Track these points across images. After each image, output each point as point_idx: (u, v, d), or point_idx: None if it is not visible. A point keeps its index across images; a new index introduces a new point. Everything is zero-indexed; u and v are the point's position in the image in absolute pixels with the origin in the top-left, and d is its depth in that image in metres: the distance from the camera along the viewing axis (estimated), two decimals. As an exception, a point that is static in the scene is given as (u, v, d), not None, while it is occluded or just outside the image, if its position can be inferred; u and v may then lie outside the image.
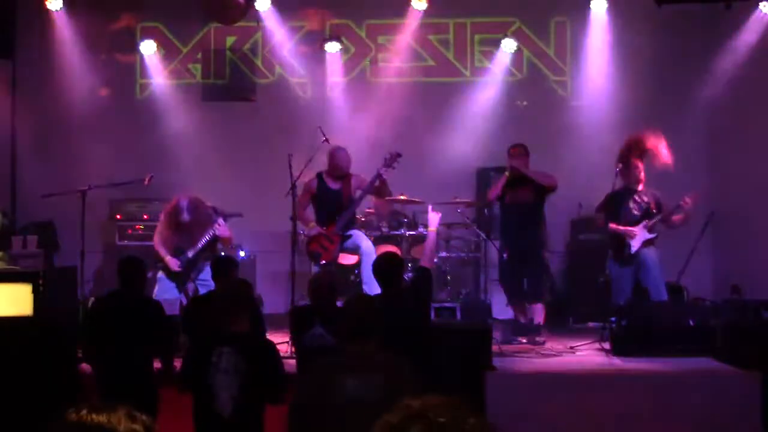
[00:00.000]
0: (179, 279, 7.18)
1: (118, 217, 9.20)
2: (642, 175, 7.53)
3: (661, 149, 7.63)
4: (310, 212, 7.71)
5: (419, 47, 9.78)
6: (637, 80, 9.21)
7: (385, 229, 8.57)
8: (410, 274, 7.55)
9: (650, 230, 7.43)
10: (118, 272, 5.47)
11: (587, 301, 8.68)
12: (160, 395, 5.09)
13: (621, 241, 7.45)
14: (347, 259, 7.78)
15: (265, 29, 9.67)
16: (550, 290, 8.49)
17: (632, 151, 7.65)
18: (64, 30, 9.47)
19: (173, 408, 4.63)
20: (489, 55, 9.72)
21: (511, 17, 9.75)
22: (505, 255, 7.62)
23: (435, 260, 7.41)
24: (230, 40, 9.88)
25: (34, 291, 5.43)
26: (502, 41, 9.50)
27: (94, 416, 1.70)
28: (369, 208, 8.68)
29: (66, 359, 5.69)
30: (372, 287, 7.03)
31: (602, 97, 9.35)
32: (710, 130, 9.38)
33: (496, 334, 6.87)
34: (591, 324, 8.27)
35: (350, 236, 7.58)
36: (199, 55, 9.91)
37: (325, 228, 7.53)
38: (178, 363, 4.89)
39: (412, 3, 9.36)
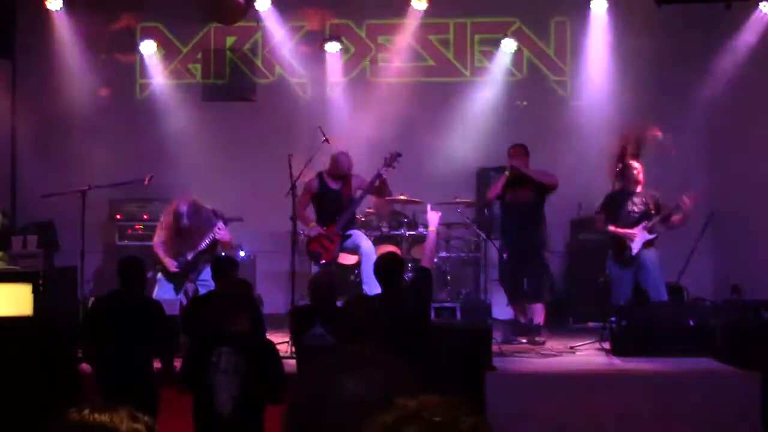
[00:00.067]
0: (177, 280, 7.19)
1: (118, 217, 9.19)
2: (640, 176, 7.53)
3: (652, 134, 7.63)
4: (310, 212, 7.72)
5: (419, 47, 9.78)
6: (637, 80, 9.20)
7: (385, 229, 8.57)
8: (410, 274, 7.55)
9: (650, 231, 7.43)
10: (118, 272, 5.46)
11: (587, 301, 8.68)
12: (160, 395, 5.09)
13: (621, 243, 7.45)
14: (347, 259, 7.78)
15: (265, 29, 9.67)
16: (550, 290, 8.48)
17: (627, 151, 7.65)
18: (64, 30, 9.46)
19: (173, 408, 4.63)
20: (489, 55, 9.71)
21: (511, 17, 9.74)
22: (505, 255, 7.62)
23: (435, 260, 7.41)
24: (230, 40, 9.88)
25: (34, 291, 5.44)
26: (502, 41, 9.49)
27: (96, 416, 1.70)
28: (369, 208, 8.69)
29: (66, 359, 5.68)
30: (372, 287, 7.04)
31: (602, 97, 9.34)
32: (710, 130, 9.37)
33: (496, 334, 6.87)
34: (591, 324, 8.27)
35: (350, 236, 7.58)
36: (199, 55, 9.91)
37: (325, 228, 7.53)
38: (178, 363, 4.89)
39: (412, 3, 9.35)
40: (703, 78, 8.91)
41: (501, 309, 8.26)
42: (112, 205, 9.17)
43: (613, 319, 7.01)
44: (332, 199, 7.61)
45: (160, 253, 7.21)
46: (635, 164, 7.60)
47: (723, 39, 8.84)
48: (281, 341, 6.35)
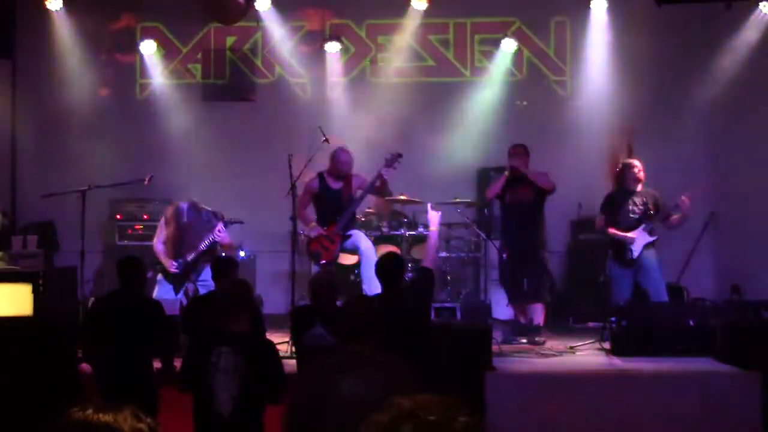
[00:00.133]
0: (177, 281, 7.18)
1: (118, 217, 9.19)
2: (641, 174, 7.51)
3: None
4: (310, 212, 7.71)
5: (419, 47, 9.78)
6: (637, 80, 9.20)
7: (385, 229, 8.57)
8: (410, 275, 7.55)
9: (650, 233, 7.41)
10: (117, 272, 5.46)
11: (587, 301, 8.68)
12: (160, 395, 5.09)
13: (622, 245, 7.44)
14: (347, 259, 7.78)
15: (265, 29, 9.67)
16: (550, 290, 8.47)
17: (620, 152, 7.64)
18: (64, 30, 9.46)
19: (173, 408, 4.63)
20: (489, 55, 9.71)
21: (511, 17, 9.74)
22: (504, 255, 7.62)
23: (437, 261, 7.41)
24: (230, 40, 9.88)
25: (34, 291, 5.44)
26: (502, 41, 9.49)
27: (100, 416, 1.71)
28: (369, 208, 8.68)
29: (66, 359, 5.68)
30: (372, 287, 7.04)
31: (602, 97, 9.34)
32: (710, 130, 9.37)
33: (496, 334, 6.87)
34: (591, 324, 8.27)
35: (350, 236, 7.58)
36: (199, 55, 9.91)
37: (325, 228, 7.53)
38: (178, 363, 4.89)
39: (412, 3, 9.35)
40: (703, 78, 8.91)
41: (501, 309, 8.26)
42: (112, 205, 9.17)
43: (613, 319, 7.00)
44: (333, 199, 7.60)
45: (160, 253, 7.22)
46: (636, 162, 7.58)
47: (723, 39, 8.85)
48: (281, 341, 6.34)
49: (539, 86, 9.75)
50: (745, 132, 8.91)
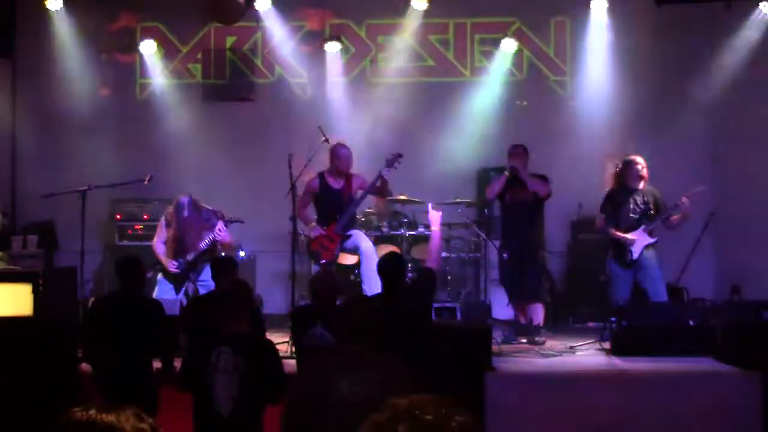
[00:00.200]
0: (177, 281, 7.18)
1: (118, 217, 9.19)
2: (644, 172, 7.43)
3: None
4: (310, 212, 7.71)
5: (419, 47, 9.77)
6: (637, 80, 9.20)
7: (385, 229, 8.57)
8: (410, 275, 7.55)
9: (650, 234, 7.40)
10: (117, 272, 5.47)
11: (587, 301, 8.69)
12: (160, 395, 5.09)
13: (622, 246, 7.43)
14: (347, 259, 7.78)
15: (265, 29, 9.66)
16: (550, 290, 8.48)
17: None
18: (64, 30, 9.46)
19: (173, 408, 4.64)
20: (489, 55, 9.71)
21: (511, 17, 9.74)
22: (505, 255, 7.62)
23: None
24: (230, 40, 9.88)
25: (34, 291, 5.44)
26: (502, 41, 9.49)
27: (104, 416, 1.72)
28: (369, 208, 8.68)
29: (66, 359, 5.69)
30: (372, 287, 7.04)
31: (602, 97, 9.33)
32: (710, 130, 9.37)
33: (496, 334, 6.87)
34: (591, 324, 8.28)
35: (350, 236, 7.58)
36: (199, 55, 9.91)
37: (325, 227, 7.52)
38: (178, 363, 4.89)
39: (412, 3, 9.35)
40: (702, 78, 8.91)
41: (501, 309, 8.25)
42: (112, 205, 9.17)
43: (613, 319, 7.00)
44: (333, 199, 7.60)
45: (160, 253, 7.21)
46: (639, 160, 7.48)
47: (723, 39, 8.85)
48: (281, 341, 6.35)
49: (539, 86, 9.75)
50: (745, 132, 8.91)
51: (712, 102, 8.94)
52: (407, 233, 8.49)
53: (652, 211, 7.42)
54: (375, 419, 1.43)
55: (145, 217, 9.07)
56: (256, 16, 9.42)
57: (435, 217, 5.87)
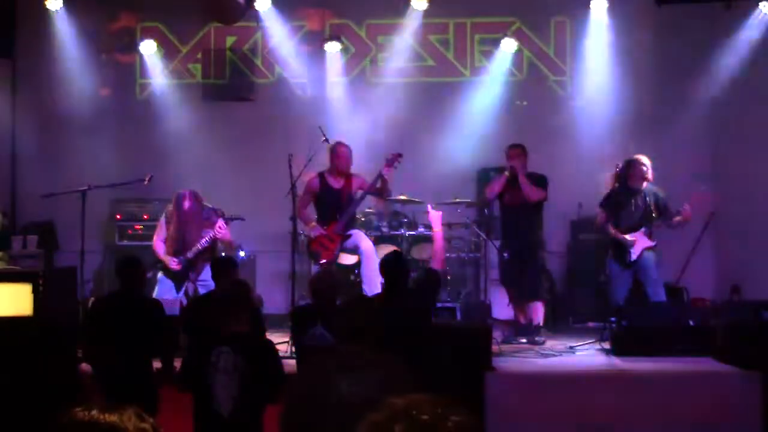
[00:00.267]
0: (177, 279, 7.15)
1: (118, 217, 9.18)
2: (648, 174, 7.40)
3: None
4: (310, 212, 7.71)
5: (419, 47, 9.77)
6: (637, 80, 9.20)
7: (385, 229, 8.57)
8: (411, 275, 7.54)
9: (650, 237, 7.39)
10: (117, 272, 5.47)
11: (587, 301, 8.68)
12: (160, 395, 5.09)
13: (622, 246, 7.42)
14: (347, 259, 7.77)
15: (265, 29, 9.66)
16: (550, 290, 8.48)
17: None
18: (64, 30, 9.46)
19: (173, 408, 4.64)
20: (489, 55, 9.71)
21: (511, 17, 9.74)
22: (506, 254, 7.62)
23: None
24: (230, 40, 9.88)
25: (34, 291, 5.43)
26: (502, 41, 9.49)
27: (106, 416, 1.72)
28: (369, 208, 8.69)
29: (66, 359, 5.69)
30: (372, 287, 7.04)
31: (602, 97, 9.33)
32: (710, 130, 9.37)
33: (496, 334, 6.87)
34: (591, 324, 8.27)
35: (350, 236, 7.58)
36: (199, 55, 9.91)
37: (325, 227, 7.52)
38: (178, 363, 4.89)
39: (412, 3, 9.34)
40: (703, 78, 8.91)
41: (501, 309, 8.26)
42: (112, 205, 9.16)
43: (613, 319, 7.00)
44: (333, 199, 7.60)
45: (160, 251, 7.18)
46: (643, 160, 7.45)
47: (723, 39, 8.84)
48: (281, 341, 6.35)
49: (539, 86, 9.74)
50: (745, 132, 8.91)
51: (712, 102, 8.94)
52: (407, 233, 8.49)
53: (653, 213, 7.40)
54: (372, 419, 1.43)
55: (145, 217, 9.06)
56: (256, 16, 9.42)
57: (435, 217, 5.86)
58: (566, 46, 9.78)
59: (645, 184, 7.45)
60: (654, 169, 7.57)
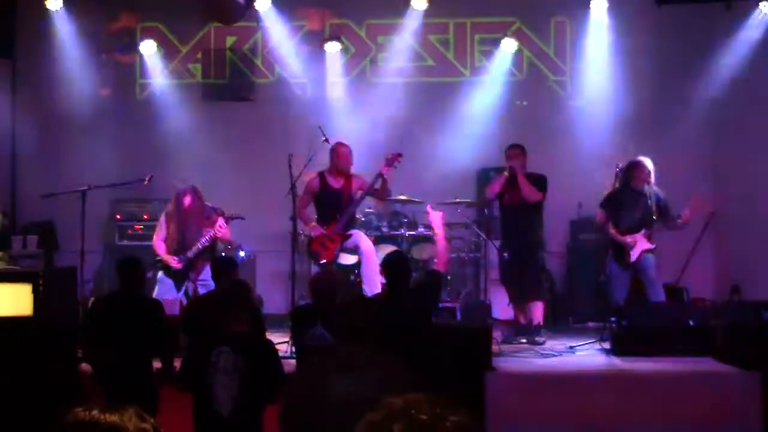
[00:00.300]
0: (178, 278, 7.15)
1: (118, 217, 9.19)
2: (651, 177, 7.36)
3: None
4: (310, 212, 7.71)
5: (419, 47, 9.77)
6: (637, 80, 9.20)
7: (385, 229, 8.57)
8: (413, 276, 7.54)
9: (650, 239, 7.38)
10: (117, 272, 5.47)
11: (587, 301, 8.68)
12: (160, 395, 5.09)
13: (621, 246, 7.42)
14: (347, 259, 7.77)
15: (265, 29, 9.67)
16: (550, 290, 8.48)
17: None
18: (64, 30, 9.46)
19: (173, 408, 4.63)
20: (489, 55, 9.71)
21: (511, 17, 9.74)
22: (506, 254, 7.62)
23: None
24: (230, 40, 9.88)
25: (34, 291, 5.43)
26: (502, 41, 9.49)
27: (107, 416, 1.73)
28: (369, 208, 8.68)
29: (66, 359, 5.69)
30: (372, 287, 7.04)
31: (602, 97, 9.33)
32: (710, 130, 9.36)
33: (496, 334, 6.87)
34: (591, 324, 8.27)
35: (350, 236, 7.57)
36: (199, 55, 9.91)
37: (326, 227, 7.52)
38: (178, 363, 4.89)
39: (412, 3, 9.35)
40: (703, 78, 8.91)
41: (501, 309, 8.26)
42: (112, 205, 9.17)
43: (613, 319, 7.00)
44: (333, 199, 7.59)
45: (160, 251, 7.18)
46: (646, 164, 7.40)
47: (723, 39, 8.85)
48: (281, 341, 6.35)
49: (539, 86, 9.74)
50: (745, 132, 8.91)
51: (712, 102, 8.94)
52: (407, 233, 8.49)
53: (654, 216, 7.39)
54: (370, 418, 1.43)
55: (145, 217, 9.07)
56: (256, 16, 9.43)
57: (436, 218, 5.85)
58: (566, 46, 9.78)
59: (647, 185, 7.44)
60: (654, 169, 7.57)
